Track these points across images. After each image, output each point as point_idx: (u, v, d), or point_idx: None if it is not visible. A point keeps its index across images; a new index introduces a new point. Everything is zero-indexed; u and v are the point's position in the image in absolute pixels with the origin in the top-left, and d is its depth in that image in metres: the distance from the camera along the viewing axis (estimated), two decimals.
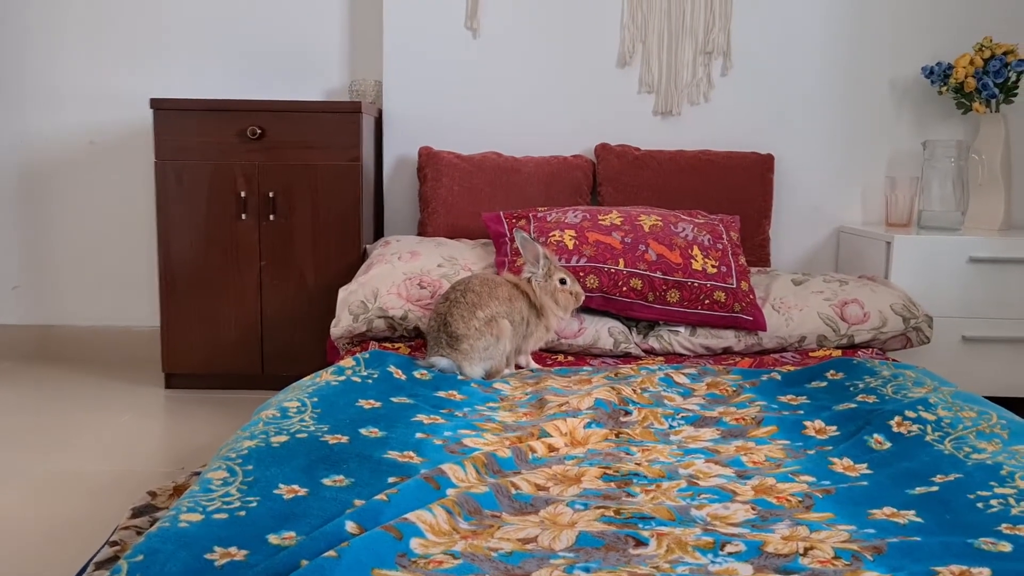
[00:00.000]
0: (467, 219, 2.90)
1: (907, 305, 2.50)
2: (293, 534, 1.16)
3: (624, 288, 2.41)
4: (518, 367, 2.24)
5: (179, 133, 2.76)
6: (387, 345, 2.37)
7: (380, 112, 3.07)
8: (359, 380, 1.89)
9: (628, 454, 1.59)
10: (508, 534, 1.17)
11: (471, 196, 2.93)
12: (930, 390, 1.85)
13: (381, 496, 1.24)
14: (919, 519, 1.27)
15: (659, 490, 1.39)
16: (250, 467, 1.38)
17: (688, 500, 1.34)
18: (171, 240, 2.79)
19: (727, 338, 2.45)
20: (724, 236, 2.60)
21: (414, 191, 3.07)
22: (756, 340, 2.45)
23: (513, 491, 1.33)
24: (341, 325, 2.41)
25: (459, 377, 2.06)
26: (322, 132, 2.76)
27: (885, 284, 2.62)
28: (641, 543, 1.13)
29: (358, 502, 1.27)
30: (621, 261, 2.43)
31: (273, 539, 1.14)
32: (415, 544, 1.11)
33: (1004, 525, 1.20)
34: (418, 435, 1.61)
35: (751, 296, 2.47)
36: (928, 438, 1.59)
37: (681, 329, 2.45)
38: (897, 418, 1.65)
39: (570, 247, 2.45)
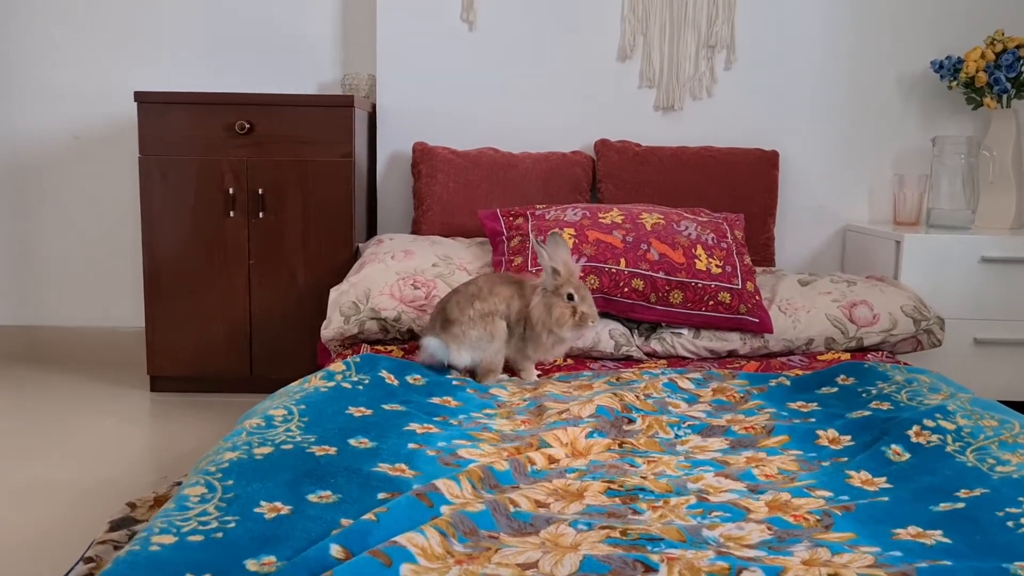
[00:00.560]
0: (463, 217, 2.81)
1: (918, 306, 2.42)
2: (273, 559, 1.07)
3: (625, 289, 2.32)
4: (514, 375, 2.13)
5: (164, 127, 2.67)
6: (379, 348, 2.28)
7: (373, 107, 2.98)
8: (349, 386, 1.80)
9: (632, 466, 1.50)
10: (506, 558, 1.09)
11: (467, 193, 2.84)
12: (947, 396, 1.77)
13: (369, 515, 1.15)
14: (947, 539, 1.18)
15: (667, 507, 1.31)
16: (230, 482, 1.29)
17: (699, 519, 1.25)
18: (156, 238, 2.70)
19: (732, 341, 2.36)
20: (728, 235, 2.51)
21: (408, 188, 2.98)
22: (762, 343, 2.36)
23: (511, 509, 1.24)
24: (332, 327, 2.32)
25: (446, 363, 2.01)
26: (313, 127, 2.67)
27: (895, 285, 2.54)
28: (650, 568, 1.05)
29: (345, 521, 1.18)
30: (622, 261, 2.35)
31: (251, 565, 1.05)
32: (406, 571, 1.02)
33: None
34: (411, 446, 1.52)
35: (757, 297, 2.38)
36: (949, 449, 1.51)
37: (684, 331, 2.37)
38: (915, 427, 1.57)
39: (569, 246, 2.36)
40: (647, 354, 2.35)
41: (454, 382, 1.96)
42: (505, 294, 2.09)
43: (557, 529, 1.19)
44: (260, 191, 2.68)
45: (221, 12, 3.06)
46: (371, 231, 3.02)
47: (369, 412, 1.67)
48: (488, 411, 1.81)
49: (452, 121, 2.97)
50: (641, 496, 1.34)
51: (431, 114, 2.97)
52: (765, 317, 2.36)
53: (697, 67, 2.97)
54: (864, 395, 1.85)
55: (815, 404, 1.85)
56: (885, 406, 1.76)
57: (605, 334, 2.32)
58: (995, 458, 1.44)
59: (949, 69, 2.82)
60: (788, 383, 2.00)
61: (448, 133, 2.95)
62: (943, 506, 1.29)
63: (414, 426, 1.63)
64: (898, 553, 1.14)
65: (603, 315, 2.36)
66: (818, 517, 1.25)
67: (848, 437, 1.63)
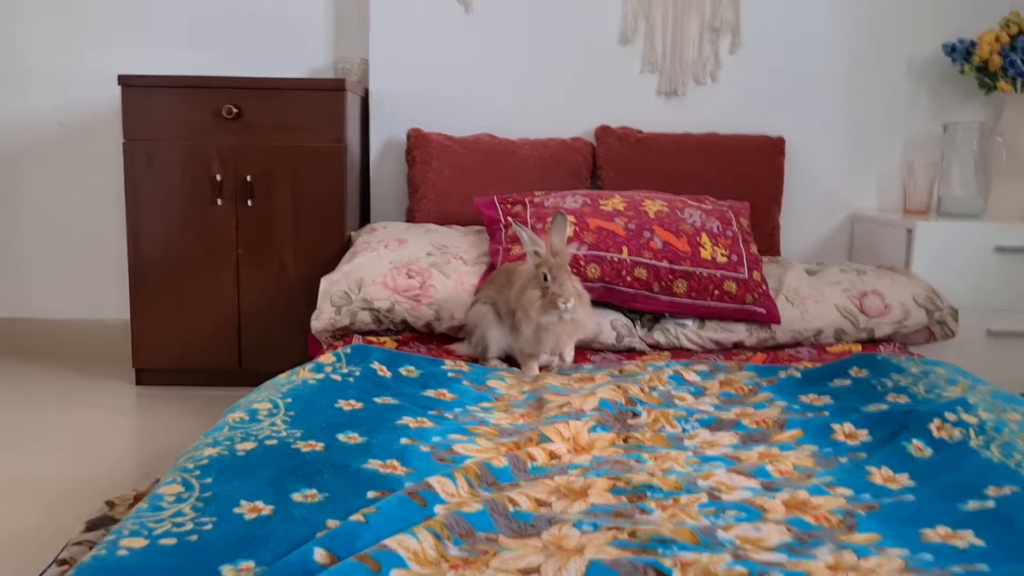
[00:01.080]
0: (459, 205, 2.72)
1: (930, 297, 2.33)
2: (252, 564, 0.98)
3: (628, 278, 2.24)
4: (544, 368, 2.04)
5: (149, 112, 2.57)
6: (372, 339, 2.19)
7: (366, 91, 2.89)
8: (339, 378, 1.71)
9: (639, 462, 1.41)
10: (506, 563, 1.00)
11: (463, 180, 2.74)
12: (966, 389, 1.68)
13: (357, 516, 1.06)
14: (979, 541, 1.10)
15: (677, 505, 1.22)
16: (209, 480, 1.20)
17: (712, 519, 1.16)
18: (141, 227, 2.61)
19: (738, 332, 2.28)
20: (734, 223, 2.42)
21: (402, 175, 2.88)
22: (769, 334, 2.28)
23: (511, 508, 1.16)
24: (323, 318, 2.23)
25: None
26: (303, 111, 2.58)
27: (906, 274, 2.46)
28: (663, 574, 0.96)
29: (331, 523, 1.09)
30: (624, 249, 2.26)
31: (228, 571, 0.96)
32: None
33: None
34: (403, 441, 1.43)
35: (764, 287, 2.30)
36: (972, 443, 1.42)
37: (689, 322, 2.28)
38: (936, 421, 1.48)
39: (570, 235, 2.27)
40: (650, 346, 2.26)
41: (449, 374, 1.87)
42: (498, 281, 2.02)
43: (560, 530, 1.10)
44: (248, 178, 2.58)
45: None
46: (364, 220, 2.93)
47: (359, 405, 1.58)
48: (485, 404, 1.72)
49: (448, 106, 2.87)
50: (649, 494, 1.26)
51: (426, 99, 2.87)
52: (772, 307, 2.27)
53: (701, 51, 2.88)
54: (879, 388, 1.76)
55: (828, 397, 1.76)
56: (902, 399, 1.68)
57: (607, 325, 2.23)
58: (1022, 453, 1.36)
59: (962, 52, 2.73)
60: (799, 375, 1.91)
61: (444, 119, 2.86)
62: (972, 504, 1.21)
63: (407, 420, 1.54)
64: (928, 556, 1.06)
65: (605, 305, 2.28)
66: (840, 517, 1.16)
67: (865, 431, 1.54)
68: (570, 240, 2.24)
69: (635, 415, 1.64)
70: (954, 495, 1.25)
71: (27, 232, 3.07)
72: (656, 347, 2.27)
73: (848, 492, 1.28)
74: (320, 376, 1.71)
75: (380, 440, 1.42)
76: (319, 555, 0.97)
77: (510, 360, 2.07)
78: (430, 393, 1.74)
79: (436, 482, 1.20)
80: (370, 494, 1.20)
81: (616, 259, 2.24)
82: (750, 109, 2.88)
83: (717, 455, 1.45)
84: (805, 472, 1.37)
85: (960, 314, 2.38)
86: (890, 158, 2.91)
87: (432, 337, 2.27)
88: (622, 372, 1.93)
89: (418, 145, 2.78)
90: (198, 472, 1.23)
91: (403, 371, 1.84)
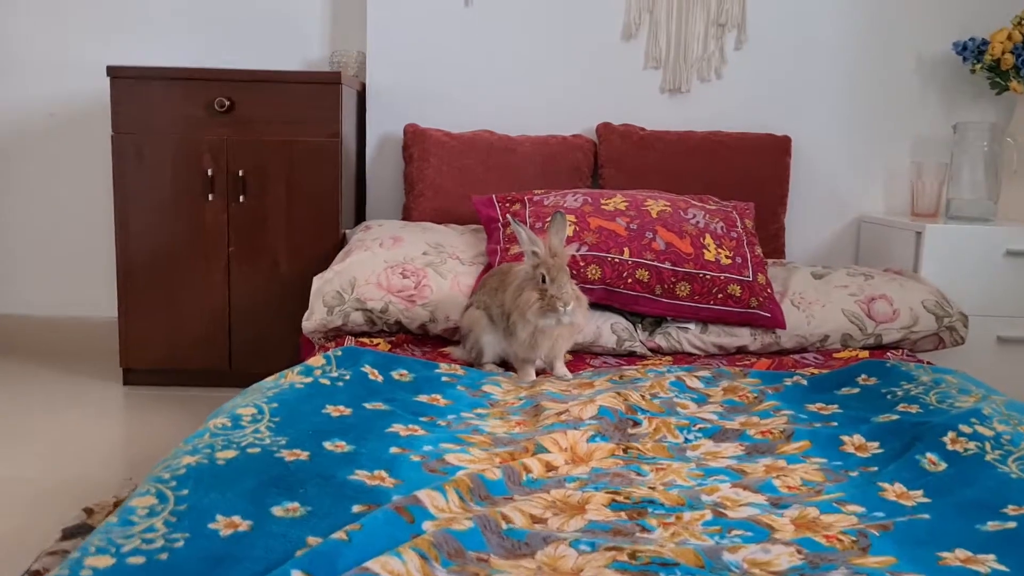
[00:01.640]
0: (456, 203, 2.65)
1: (940, 302, 2.27)
2: None
3: (629, 280, 2.17)
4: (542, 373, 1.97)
5: (139, 104, 2.51)
6: (365, 341, 2.13)
7: (363, 86, 2.82)
8: (328, 382, 1.65)
9: (639, 474, 1.35)
10: None
11: (461, 178, 2.68)
12: (979, 399, 1.62)
13: (340, 534, 1.00)
14: (1003, 567, 1.03)
15: (679, 523, 1.15)
16: (185, 491, 1.13)
17: (716, 538, 1.10)
18: (130, 222, 2.54)
19: (742, 336, 2.21)
20: (738, 224, 2.36)
21: (399, 172, 2.82)
22: (774, 339, 2.21)
23: (504, 525, 1.09)
24: (314, 318, 2.17)
25: None
26: (298, 105, 2.51)
27: (914, 278, 2.39)
28: None
29: (312, 540, 1.03)
30: (626, 250, 2.19)
31: None
32: None
33: None
34: (393, 450, 1.37)
35: (769, 290, 2.23)
36: (989, 457, 1.36)
37: (691, 326, 2.22)
38: (951, 433, 1.42)
39: (570, 234, 2.20)
40: (651, 350, 2.20)
41: (444, 378, 1.81)
42: (491, 284, 1.95)
43: (556, 550, 1.04)
44: (241, 173, 2.52)
45: None
46: (359, 217, 2.86)
47: (348, 411, 1.52)
48: (480, 411, 1.66)
49: (446, 102, 2.80)
50: (650, 510, 1.19)
51: (424, 94, 2.81)
52: (777, 311, 2.21)
53: (706, 47, 2.81)
54: (889, 397, 1.70)
55: (836, 406, 1.70)
56: (913, 409, 1.61)
57: (607, 328, 2.16)
58: None
59: (973, 51, 2.67)
60: (805, 383, 1.85)
61: (442, 114, 2.79)
62: (992, 525, 1.14)
63: (397, 427, 1.48)
64: None
65: (605, 308, 2.22)
66: (853, 538, 1.09)
67: (876, 444, 1.48)
68: (570, 240, 2.18)
69: (636, 424, 1.58)
70: (972, 514, 1.18)
71: (13, 226, 3.00)
72: (657, 351, 2.20)
73: (860, 509, 1.22)
74: (308, 380, 1.64)
75: (369, 449, 1.35)
76: None
77: (506, 365, 2.01)
78: (423, 398, 1.68)
79: (425, 496, 1.13)
80: (355, 508, 1.13)
81: (617, 260, 2.18)
82: (755, 107, 2.81)
83: (721, 467, 1.38)
84: (814, 487, 1.31)
85: (969, 320, 2.31)
86: (898, 159, 2.84)
87: (427, 339, 2.21)
88: (622, 378, 1.86)
89: (415, 141, 2.72)
90: (174, 483, 1.16)
91: (395, 375, 1.77)
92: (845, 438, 1.50)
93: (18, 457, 2.11)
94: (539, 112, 2.81)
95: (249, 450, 1.28)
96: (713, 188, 2.60)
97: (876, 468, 1.39)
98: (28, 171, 2.97)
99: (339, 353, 1.80)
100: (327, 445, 1.34)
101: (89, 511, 1.64)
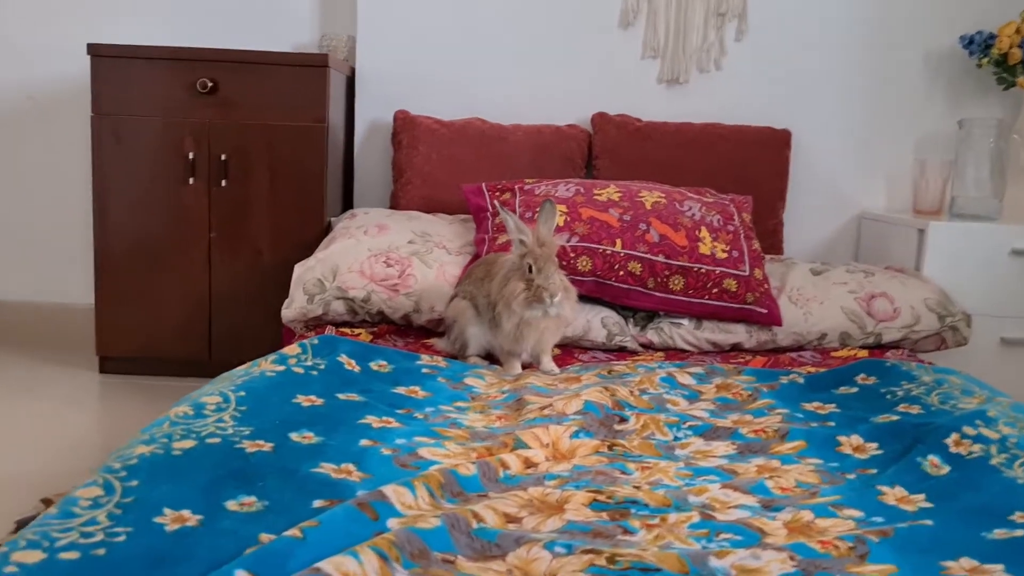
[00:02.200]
0: (445, 191, 2.57)
1: (942, 301, 2.19)
2: None
3: (621, 272, 2.09)
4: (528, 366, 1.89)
5: (120, 84, 2.43)
6: (346, 331, 2.05)
7: (353, 70, 2.74)
8: (302, 371, 1.57)
9: (624, 472, 1.27)
10: None
11: (451, 166, 2.60)
12: (984, 401, 1.54)
13: (294, 531, 0.92)
14: None
15: (664, 525, 1.08)
16: (135, 483, 1.06)
17: (703, 542, 1.02)
18: (108, 206, 2.46)
19: (737, 333, 2.14)
20: (736, 217, 2.28)
21: (388, 160, 2.74)
22: (770, 336, 2.14)
23: (475, 524, 1.01)
24: (294, 306, 2.09)
25: None
26: (283, 88, 2.43)
27: (916, 276, 2.32)
28: None
29: (265, 537, 0.95)
30: (618, 241, 2.12)
31: None
32: None
33: None
34: (363, 442, 1.29)
35: (765, 286, 2.16)
36: (994, 461, 1.28)
37: (684, 321, 2.14)
38: (954, 435, 1.34)
39: (560, 224, 2.13)
40: (643, 345, 2.12)
41: (424, 370, 1.74)
42: (477, 274, 1.88)
43: (528, 552, 0.96)
44: (223, 157, 2.44)
45: None
46: (347, 205, 2.79)
47: (320, 402, 1.44)
48: (460, 404, 1.58)
49: (437, 88, 2.73)
50: (633, 511, 1.12)
51: (415, 80, 2.73)
52: (774, 308, 2.13)
53: (705, 37, 2.73)
54: (889, 397, 1.62)
55: (833, 405, 1.62)
56: (915, 410, 1.54)
57: (597, 322, 2.09)
58: None
59: (980, 45, 2.59)
60: (801, 381, 1.78)
61: (433, 101, 2.71)
62: (998, 533, 1.06)
63: (371, 419, 1.40)
64: None
65: (596, 301, 2.14)
66: (850, 544, 1.02)
67: (875, 444, 1.40)
68: (560, 230, 2.10)
69: (622, 420, 1.50)
70: (977, 520, 1.11)
71: None
72: (649, 347, 2.13)
73: (858, 514, 1.14)
74: (281, 368, 1.57)
75: (338, 441, 1.28)
76: None
77: (492, 358, 1.93)
78: (401, 390, 1.60)
79: (392, 491, 1.05)
80: (316, 503, 1.06)
81: (609, 252, 2.10)
82: (755, 99, 2.73)
83: (711, 467, 1.31)
84: (809, 489, 1.23)
85: (973, 320, 2.24)
86: (901, 155, 2.77)
87: (411, 330, 2.13)
88: (611, 373, 1.79)
89: (404, 128, 2.64)
90: (124, 473, 1.08)
91: (374, 365, 1.70)
92: (842, 438, 1.43)
93: None
94: (533, 101, 2.73)
95: (209, 440, 1.21)
96: (711, 182, 2.53)
97: (875, 470, 1.31)
98: (5, 155, 2.89)
99: (316, 342, 1.72)
100: (293, 436, 1.27)
101: (47, 501, 1.56)
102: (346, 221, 2.38)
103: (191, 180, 2.44)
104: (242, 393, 1.40)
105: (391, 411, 1.47)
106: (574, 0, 2.71)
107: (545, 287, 1.74)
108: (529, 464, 1.27)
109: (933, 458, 1.30)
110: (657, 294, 2.11)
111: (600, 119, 2.70)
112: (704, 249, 2.14)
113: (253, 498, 1.05)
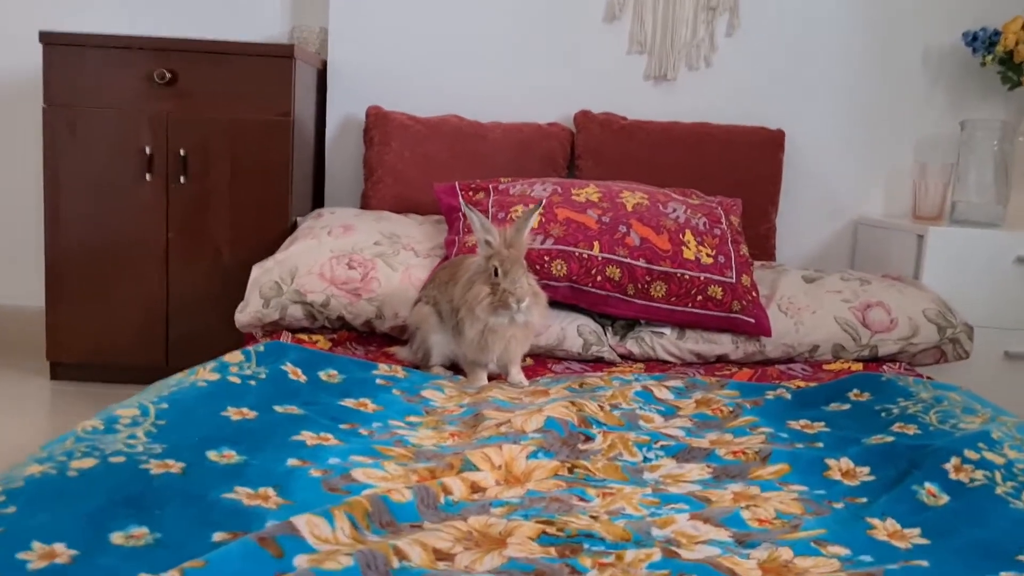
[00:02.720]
0: (418, 191, 2.44)
1: (942, 312, 2.06)
2: None
3: (598, 278, 1.96)
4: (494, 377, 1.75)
5: (74, 74, 2.30)
6: (303, 338, 1.92)
7: (324, 64, 2.61)
8: (239, 381, 1.43)
9: (582, 499, 1.13)
10: None
11: (424, 165, 2.47)
12: (987, 420, 1.41)
13: (173, 573, 0.78)
14: None
15: (620, 564, 0.94)
16: (11, 509, 0.92)
17: None
18: (61, 203, 2.33)
19: (723, 343, 2.00)
20: (723, 221, 2.15)
21: (361, 157, 2.60)
22: (758, 347, 2.00)
23: (396, 563, 0.87)
24: (248, 310, 1.96)
25: None
26: (247, 80, 2.31)
27: (915, 285, 2.18)
28: None
29: None
30: (596, 244, 1.98)
31: None
32: None
33: None
34: (290, 462, 1.15)
35: (753, 293, 2.02)
36: (999, 490, 1.15)
37: (666, 331, 2.01)
38: (954, 459, 1.21)
39: (534, 225, 1.99)
40: (621, 356, 1.99)
41: (379, 380, 1.60)
42: (441, 278, 1.74)
43: None
44: (182, 152, 2.31)
45: None
46: (317, 204, 2.65)
47: (252, 415, 1.30)
48: (413, 419, 1.44)
49: (413, 84, 2.60)
50: (586, 546, 0.98)
51: (389, 74, 2.60)
52: (762, 317, 2.00)
53: (695, 31, 2.60)
54: (884, 415, 1.49)
55: (822, 424, 1.49)
56: (911, 430, 1.40)
57: (572, 330, 1.95)
58: None
59: (984, 42, 2.47)
60: (789, 396, 1.64)
61: (408, 97, 2.58)
62: None
63: (306, 435, 1.26)
64: None
65: (571, 308, 2.00)
66: None
67: (866, 469, 1.26)
68: (533, 232, 1.97)
69: (588, 439, 1.36)
70: (979, 561, 0.98)
71: None
72: (628, 358, 1.99)
73: (844, 551, 1.00)
74: (216, 377, 1.43)
75: (261, 460, 1.14)
76: None
77: (457, 369, 1.80)
78: (348, 403, 1.46)
79: (304, 522, 0.91)
80: (216, 536, 0.92)
81: (586, 255, 1.97)
82: (747, 98, 2.61)
83: (681, 494, 1.17)
84: (790, 521, 1.09)
85: (974, 332, 2.10)
86: (900, 158, 2.64)
87: (373, 338, 2.00)
88: (582, 386, 1.65)
89: (377, 124, 2.51)
90: (2, 498, 0.94)
91: (323, 375, 1.56)
92: (831, 462, 1.29)
93: None
94: (512, 97, 2.61)
95: (112, 459, 1.07)
96: (699, 184, 2.39)
97: (865, 499, 1.17)
98: None
99: (261, 348, 1.58)
100: (211, 455, 1.13)
101: None
102: (311, 221, 2.25)
103: (148, 176, 2.31)
104: (164, 405, 1.27)
105: (333, 426, 1.33)
106: None
107: (512, 291, 1.61)
108: (476, 488, 1.13)
109: (930, 486, 1.16)
110: (637, 301, 1.98)
111: (583, 117, 2.57)
112: (688, 254, 2.01)
113: (145, 529, 0.91)
